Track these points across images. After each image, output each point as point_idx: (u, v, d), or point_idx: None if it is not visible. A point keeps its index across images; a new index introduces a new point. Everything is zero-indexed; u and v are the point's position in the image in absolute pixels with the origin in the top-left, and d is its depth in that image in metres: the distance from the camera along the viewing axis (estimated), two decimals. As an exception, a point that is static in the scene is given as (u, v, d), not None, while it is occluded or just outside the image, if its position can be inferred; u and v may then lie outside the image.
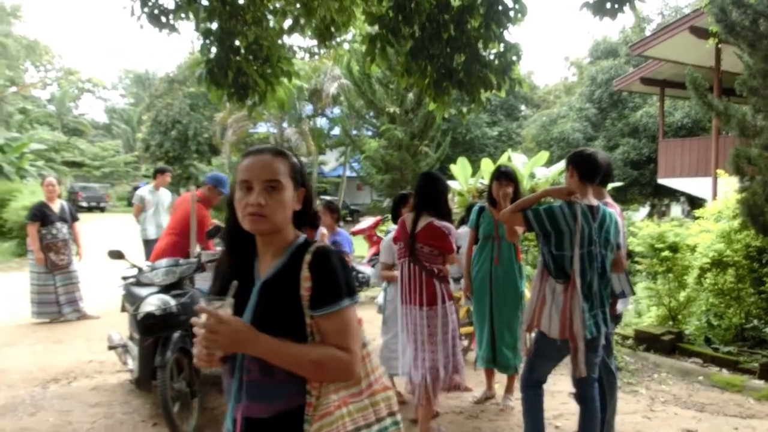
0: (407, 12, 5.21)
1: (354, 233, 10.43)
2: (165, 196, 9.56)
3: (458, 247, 5.11)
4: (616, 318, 4.74)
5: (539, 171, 14.36)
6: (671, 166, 18.34)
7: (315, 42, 6.59)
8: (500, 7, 5.15)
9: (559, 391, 5.71)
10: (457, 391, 4.74)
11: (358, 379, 1.91)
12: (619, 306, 4.55)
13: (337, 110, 29.64)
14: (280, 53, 6.06)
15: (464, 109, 6.15)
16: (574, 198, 3.73)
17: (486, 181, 11.71)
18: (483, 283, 5.26)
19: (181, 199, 6.62)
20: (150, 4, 5.42)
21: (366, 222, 12.69)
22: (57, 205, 8.70)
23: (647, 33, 26.74)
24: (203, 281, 5.51)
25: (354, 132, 26.82)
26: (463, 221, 6.53)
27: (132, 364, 5.13)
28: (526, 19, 5.28)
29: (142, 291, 4.97)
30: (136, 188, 18.67)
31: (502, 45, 5.40)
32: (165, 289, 4.91)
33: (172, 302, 4.67)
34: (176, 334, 4.66)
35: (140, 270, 5.30)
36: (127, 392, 5.66)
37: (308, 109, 28.96)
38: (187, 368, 4.79)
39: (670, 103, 23.74)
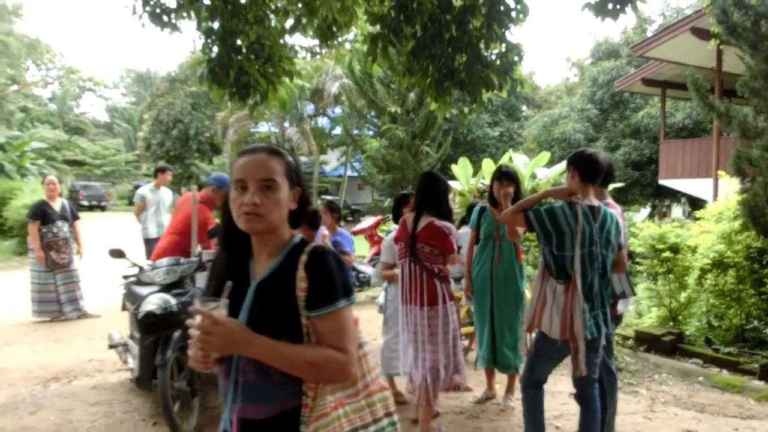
0: (409, 12, 5.21)
1: (355, 233, 10.45)
2: (166, 195, 9.55)
3: (459, 248, 5.12)
4: (617, 318, 4.74)
5: (540, 171, 14.34)
6: (672, 167, 18.34)
7: (317, 41, 6.59)
8: (502, 8, 5.15)
9: (560, 391, 5.71)
10: (457, 391, 4.74)
11: (354, 380, 1.90)
12: (620, 307, 4.55)
13: (338, 110, 29.64)
14: (282, 53, 6.06)
15: (466, 109, 6.17)
16: (575, 198, 3.73)
17: (487, 182, 11.71)
18: (484, 283, 5.26)
19: (183, 199, 6.62)
20: (152, 3, 5.43)
21: (367, 222, 12.71)
22: (58, 204, 8.70)
23: (649, 34, 26.73)
24: (204, 280, 5.51)
25: (355, 132, 26.80)
26: (464, 221, 6.53)
27: (132, 363, 5.13)
28: (527, 20, 5.28)
29: (142, 290, 4.97)
30: (137, 187, 18.68)
31: (503, 45, 5.40)
32: (166, 288, 4.91)
33: (173, 301, 4.67)
34: (177, 333, 4.65)
35: (141, 269, 5.30)
36: (127, 391, 5.66)
37: (310, 108, 28.98)
38: (188, 367, 4.79)
39: (672, 104, 23.73)
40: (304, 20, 6.03)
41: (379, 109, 22.61)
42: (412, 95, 21.16)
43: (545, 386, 4.10)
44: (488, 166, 13.68)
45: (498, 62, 5.46)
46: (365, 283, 10.91)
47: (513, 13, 5.22)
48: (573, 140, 25.83)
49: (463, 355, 4.85)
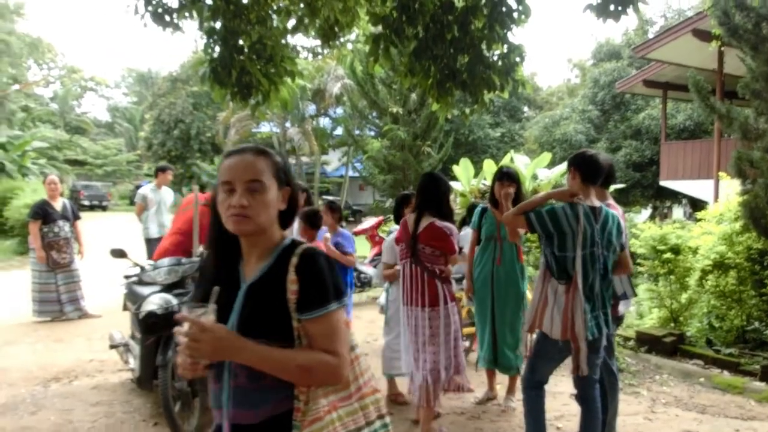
0: (411, 12, 5.21)
1: (356, 233, 10.43)
2: (167, 194, 9.56)
3: (460, 248, 5.12)
4: (618, 319, 4.73)
5: (542, 172, 14.34)
6: (673, 168, 18.34)
7: (319, 42, 6.59)
8: (504, 9, 5.14)
9: (561, 392, 5.71)
10: (459, 392, 4.74)
11: (347, 383, 1.89)
12: (621, 307, 4.54)
13: (340, 110, 29.65)
14: (284, 53, 6.05)
15: (467, 110, 6.16)
16: (576, 199, 3.74)
17: (488, 182, 11.71)
18: (485, 284, 5.26)
19: (188, 200, 6.62)
20: (154, 2, 5.42)
21: (368, 222, 12.68)
22: (59, 204, 8.70)
23: (650, 35, 26.72)
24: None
25: (357, 132, 26.83)
26: (464, 222, 6.52)
27: (133, 363, 5.13)
28: (529, 21, 5.28)
29: (144, 290, 4.97)
30: (138, 187, 18.69)
31: (505, 46, 5.39)
32: (167, 288, 4.91)
33: (174, 301, 4.67)
34: (178, 334, 4.64)
35: (142, 269, 5.30)
36: (128, 391, 5.66)
37: (311, 108, 29.01)
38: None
39: (673, 106, 23.73)
40: (306, 20, 6.03)
41: (380, 110, 22.62)
42: (413, 96, 21.18)
43: (546, 387, 4.10)
44: (489, 166, 13.68)
45: (500, 63, 5.46)
46: (366, 283, 10.90)
47: (515, 14, 5.21)
48: (574, 141, 25.85)
49: (464, 355, 4.85)
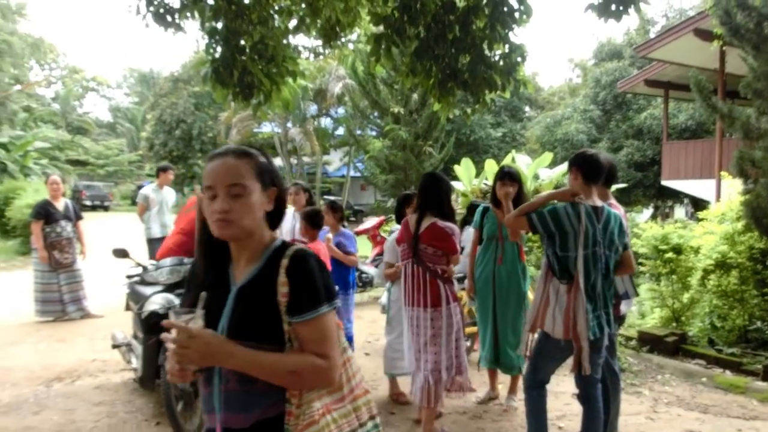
0: (412, 12, 5.21)
1: (358, 233, 10.43)
2: (169, 194, 9.57)
3: (462, 248, 5.12)
4: (620, 319, 4.74)
5: (543, 172, 14.34)
6: (675, 168, 18.34)
7: (320, 42, 6.61)
8: (505, 8, 5.15)
9: (563, 391, 5.71)
10: (461, 392, 4.74)
11: (339, 385, 1.88)
12: (623, 307, 4.55)
13: (341, 110, 29.68)
14: (286, 53, 6.06)
15: (468, 110, 6.16)
16: (578, 199, 3.74)
17: (489, 182, 11.69)
18: (486, 284, 5.26)
19: (192, 200, 6.61)
20: (155, 3, 5.43)
21: (370, 222, 12.69)
22: (61, 204, 8.71)
23: (652, 35, 26.73)
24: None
25: (358, 132, 26.84)
26: (465, 221, 6.52)
27: (136, 362, 5.14)
28: (531, 21, 5.28)
29: (146, 290, 4.98)
30: (140, 187, 18.71)
31: (507, 46, 5.40)
32: (169, 288, 4.92)
33: (177, 301, 4.67)
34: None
35: (145, 269, 5.31)
36: (130, 391, 5.67)
37: (313, 109, 29.03)
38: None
39: (674, 105, 23.72)
40: (307, 20, 6.04)
41: (382, 110, 22.62)
42: (415, 96, 21.18)
43: (548, 386, 4.10)
44: (491, 166, 13.68)
45: (501, 63, 5.46)
46: (368, 283, 10.90)
47: (516, 14, 5.21)
48: (576, 141, 25.84)
49: (466, 355, 4.85)
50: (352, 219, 30.12)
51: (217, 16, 5.47)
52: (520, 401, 5.06)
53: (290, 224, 6.65)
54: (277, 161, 31.29)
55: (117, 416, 5.08)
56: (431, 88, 5.71)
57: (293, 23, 6.16)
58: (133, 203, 30.34)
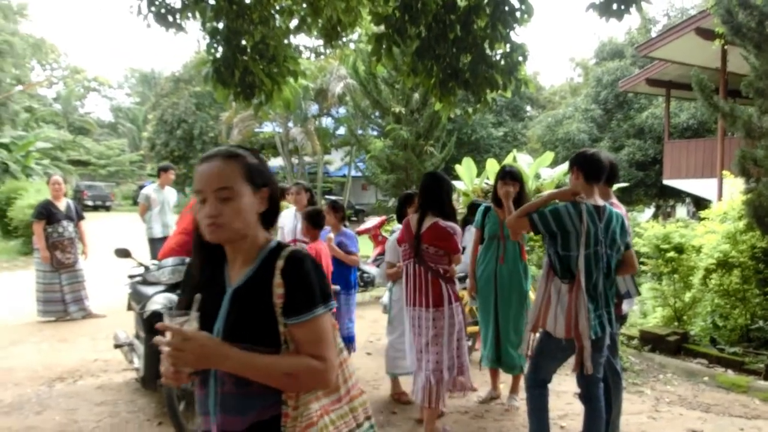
0: (413, 12, 5.21)
1: (359, 233, 10.43)
2: (170, 194, 9.58)
3: (463, 248, 5.12)
4: (622, 318, 4.74)
5: (544, 172, 14.32)
6: (677, 167, 18.32)
7: (321, 42, 6.60)
8: (506, 8, 5.14)
9: (564, 391, 5.71)
10: (462, 391, 4.74)
11: (336, 386, 1.88)
12: (625, 306, 4.55)
13: (342, 110, 29.68)
14: (287, 53, 6.06)
15: (470, 110, 6.15)
16: (578, 198, 3.74)
17: (491, 182, 11.69)
18: (488, 283, 5.26)
19: (194, 200, 6.61)
20: (157, 3, 5.43)
21: (371, 222, 12.69)
22: (63, 204, 8.71)
23: (653, 34, 26.72)
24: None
25: (359, 132, 26.83)
26: (466, 221, 6.52)
27: (138, 362, 5.14)
28: (532, 20, 5.28)
29: (148, 290, 4.98)
30: (141, 187, 18.71)
31: (508, 45, 5.39)
32: (171, 287, 4.92)
33: (178, 301, 4.67)
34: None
35: (147, 268, 5.31)
36: (132, 391, 5.68)
37: (314, 108, 29.02)
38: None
39: (676, 105, 23.69)
40: (308, 20, 6.04)
41: (383, 110, 22.61)
42: (416, 95, 21.16)
43: (550, 386, 4.10)
44: (492, 166, 13.67)
45: (502, 62, 5.46)
46: (369, 283, 10.90)
47: (517, 14, 5.21)
48: (577, 140, 25.82)
49: (467, 355, 4.85)
50: (354, 219, 30.10)
51: (218, 16, 5.48)
52: (521, 401, 5.05)
53: (292, 224, 6.65)
54: (279, 161, 31.38)
55: (119, 416, 5.08)
56: (432, 88, 5.71)
57: (294, 23, 6.16)
58: (135, 203, 30.40)
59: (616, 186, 4.99)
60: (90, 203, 35.21)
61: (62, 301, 8.54)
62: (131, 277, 5.46)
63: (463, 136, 30.39)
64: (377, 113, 24.16)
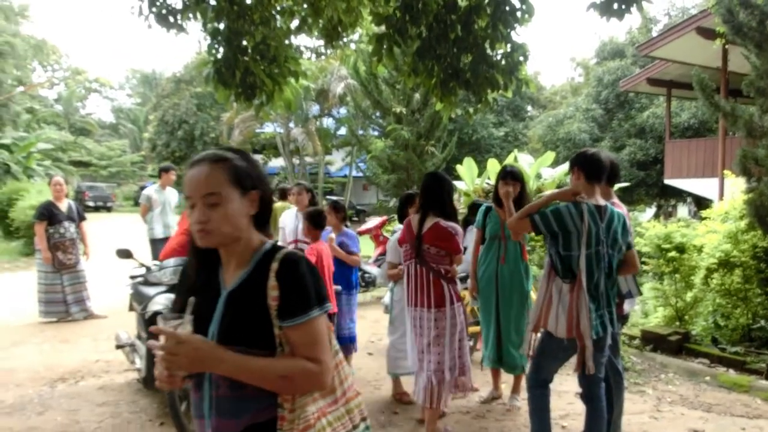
0: (414, 12, 5.21)
1: (360, 233, 10.44)
2: (172, 195, 9.59)
3: (464, 248, 5.12)
4: (623, 318, 4.74)
5: (545, 171, 14.34)
6: (678, 166, 18.32)
7: (322, 42, 6.60)
8: (507, 8, 5.15)
9: (566, 391, 5.71)
10: (464, 392, 4.74)
11: (333, 388, 1.89)
12: (626, 306, 4.55)
13: (343, 110, 29.70)
14: (288, 53, 6.07)
15: (471, 110, 6.15)
16: (579, 198, 3.74)
17: (492, 182, 11.69)
18: (489, 283, 5.26)
19: None
20: (158, 4, 5.44)
21: (372, 222, 12.70)
22: (64, 205, 8.72)
23: (654, 34, 26.71)
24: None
25: (360, 132, 26.81)
26: (467, 221, 6.52)
27: (140, 363, 5.15)
28: (533, 20, 5.28)
29: (149, 290, 4.99)
30: (142, 188, 18.73)
31: (509, 45, 5.40)
32: (173, 288, 4.92)
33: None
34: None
35: (148, 269, 5.32)
36: (134, 391, 5.68)
37: (315, 109, 29.05)
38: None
39: (677, 104, 23.68)
40: (309, 21, 6.04)
41: (384, 110, 22.60)
42: (417, 95, 21.15)
43: (551, 386, 4.10)
44: (493, 166, 13.68)
45: (503, 62, 5.46)
46: (371, 283, 10.92)
47: (518, 14, 5.21)
48: (578, 140, 25.82)
49: (469, 355, 4.85)
50: (355, 219, 30.11)
51: (219, 16, 5.48)
52: (523, 400, 5.06)
53: (293, 224, 6.66)
54: (280, 161, 31.41)
55: (121, 417, 5.09)
56: (433, 88, 5.71)
57: (295, 23, 6.16)
58: (136, 204, 30.41)
59: (617, 186, 4.99)
60: (91, 204, 35.24)
61: (64, 302, 8.55)
62: (133, 277, 5.47)
63: (464, 136, 30.39)
64: (378, 113, 24.15)
